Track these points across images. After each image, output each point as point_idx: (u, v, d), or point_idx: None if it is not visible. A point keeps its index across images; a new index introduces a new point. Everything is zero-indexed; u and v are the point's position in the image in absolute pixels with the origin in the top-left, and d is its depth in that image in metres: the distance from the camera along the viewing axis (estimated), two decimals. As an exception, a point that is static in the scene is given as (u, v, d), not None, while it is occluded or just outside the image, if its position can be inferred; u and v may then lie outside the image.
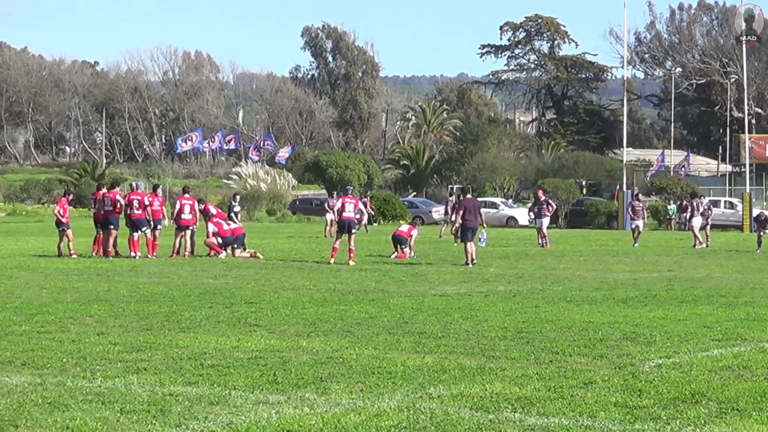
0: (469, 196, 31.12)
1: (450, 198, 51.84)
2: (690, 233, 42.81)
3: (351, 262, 28.92)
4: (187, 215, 32.19)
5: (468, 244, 29.07)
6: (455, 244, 40.66)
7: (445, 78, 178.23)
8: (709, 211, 42.55)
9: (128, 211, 31.34)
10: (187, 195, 32.98)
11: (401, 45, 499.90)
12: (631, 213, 43.75)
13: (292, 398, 10.04)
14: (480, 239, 31.24)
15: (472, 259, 28.70)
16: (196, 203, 33.29)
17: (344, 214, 29.96)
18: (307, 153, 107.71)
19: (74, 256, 31.17)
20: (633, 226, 42.61)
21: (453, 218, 30.81)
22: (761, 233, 38.18)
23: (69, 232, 31.67)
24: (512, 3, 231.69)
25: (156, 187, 34.26)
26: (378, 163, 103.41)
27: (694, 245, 40.13)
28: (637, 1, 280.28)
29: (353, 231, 29.80)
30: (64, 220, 31.72)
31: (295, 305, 18.01)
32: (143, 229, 31.13)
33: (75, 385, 10.63)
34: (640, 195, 47.13)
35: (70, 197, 34.79)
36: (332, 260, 29.34)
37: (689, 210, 42.74)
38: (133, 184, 33.78)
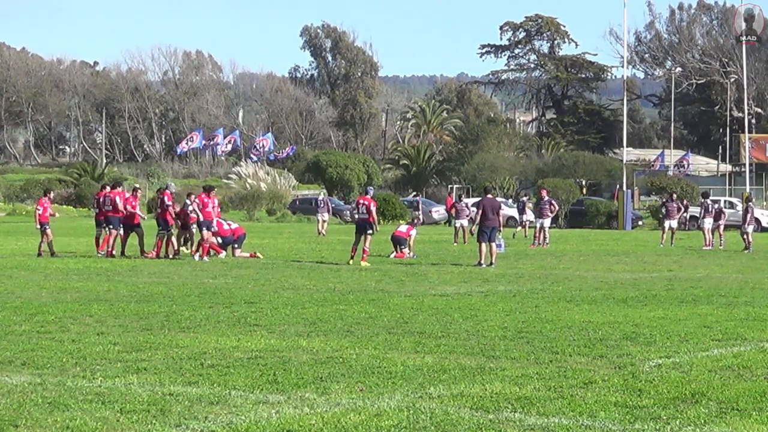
0: (489, 195, 30.18)
1: (467, 201, 51.01)
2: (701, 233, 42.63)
3: (363, 263, 28.64)
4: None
5: (482, 244, 28.61)
6: (455, 244, 40.68)
7: (445, 78, 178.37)
8: (722, 213, 42.13)
9: (158, 211, 31.86)
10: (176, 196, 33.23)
11: (400, 45, 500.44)
12: (664, 213, 43.91)
13: (292, 398, 10.04)
14: (498, 245, 30.73)
15: (481, 261, 28.30)
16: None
17: (359, 216, 29.78)
18: (307, 153, 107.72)
19: (42, 256, 30.96)
20: (668, 226, 42.57)
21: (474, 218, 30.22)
22: (742, 232, 38.41)
23: (48, 231, 31.67)
24: (512, 3, 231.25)
25: (135, 189, 33.70)
26: (378, 163, 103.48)
27: (707, 245, 39.96)
28: (637, 1, 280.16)
29: (368, 232, 29.44)
30: (44, 219, 31.70)
31: (295, 305, 18.01)
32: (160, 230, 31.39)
33: (75, 385, 10.63)
34: (674, 195, 46.99)
35: (51, 195, 34.76)
36: (356, 262, 28.81)
37: (700, 210, 42.72)
38: (170, 185, 33.86)
